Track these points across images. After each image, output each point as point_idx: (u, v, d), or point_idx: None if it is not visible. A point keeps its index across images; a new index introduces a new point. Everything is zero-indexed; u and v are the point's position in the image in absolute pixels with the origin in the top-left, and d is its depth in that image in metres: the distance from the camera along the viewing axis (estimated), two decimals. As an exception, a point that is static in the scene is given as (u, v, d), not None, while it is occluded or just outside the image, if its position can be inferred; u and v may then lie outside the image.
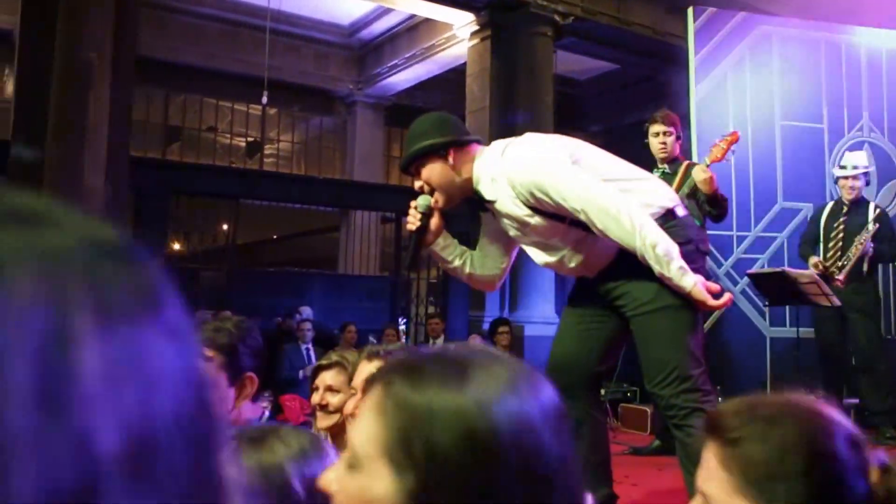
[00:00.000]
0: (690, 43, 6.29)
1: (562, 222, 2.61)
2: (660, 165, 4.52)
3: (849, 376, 5.62)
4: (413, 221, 2.73)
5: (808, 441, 0.96)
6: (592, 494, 2.66)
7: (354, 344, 7.87)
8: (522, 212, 2.61)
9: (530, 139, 2.71)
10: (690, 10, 6.35)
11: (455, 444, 0.70)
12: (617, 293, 2.71)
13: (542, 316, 9.03)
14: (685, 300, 2.56)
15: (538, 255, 2.77)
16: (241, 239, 12.67)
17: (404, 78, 12.78)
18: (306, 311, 9.52)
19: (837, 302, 4.77)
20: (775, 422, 0.99)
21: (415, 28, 11.94)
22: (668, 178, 4.41)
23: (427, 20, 11.71)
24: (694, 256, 2.66)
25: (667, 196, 2.74)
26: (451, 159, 2.65)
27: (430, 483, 0.71)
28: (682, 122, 5.02)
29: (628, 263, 2.59)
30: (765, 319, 6.05)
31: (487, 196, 2.64)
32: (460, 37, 10.95)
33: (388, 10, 11.50)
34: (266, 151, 12.95)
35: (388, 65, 12.53)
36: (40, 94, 7.81)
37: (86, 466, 0.31)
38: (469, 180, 2.67)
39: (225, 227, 10.53)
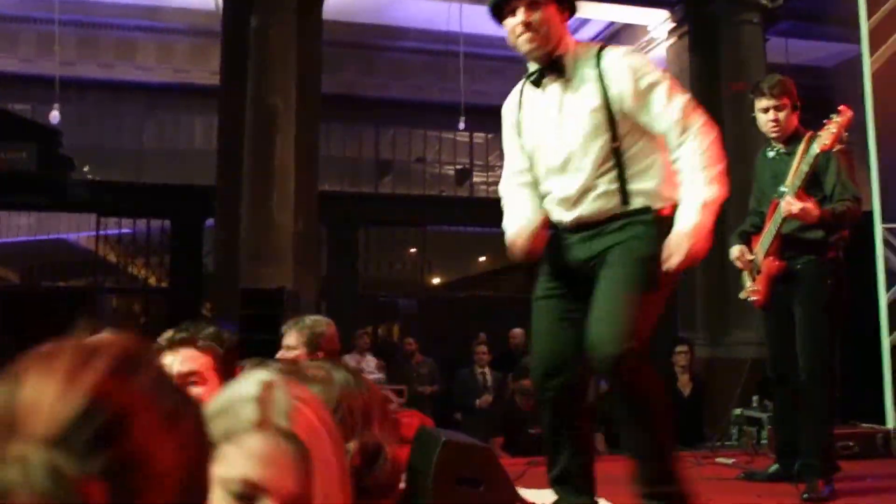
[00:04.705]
0: (861, 6, 5.33)
1: (610, 133, 2.49)
2: (774, 145, 3.78)
3: None
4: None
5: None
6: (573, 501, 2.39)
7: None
8: (590, 102, 2.49)
9: None
10: (860, -34, 5.38)
11: None
12: (606, 246, 2.49)
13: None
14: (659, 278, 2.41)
15: (552, 181, 2.58)
16: (450, 271, 12.81)
17: (613, 88, 12.27)
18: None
19: None
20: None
21: (615, 36, 11.44)
22: (785, 160, 3.69)
23: (627, 27, 11.20)
24: None
25: None
26: (566, 16, 2.57)
27: None
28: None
29: (633, 219, 2.47)
30: None
31: (567, 69, 2.54)
32: (659, 38, 10.30)
33: (585, 21, 11.15)
34: (477, 178, 13.04)
35: (594, 76, 12.08)
36: (237, 141, 8.50)
37: None
38: (558, 46, 2.54)
39: (413, 251, 10.75)
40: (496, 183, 11.23)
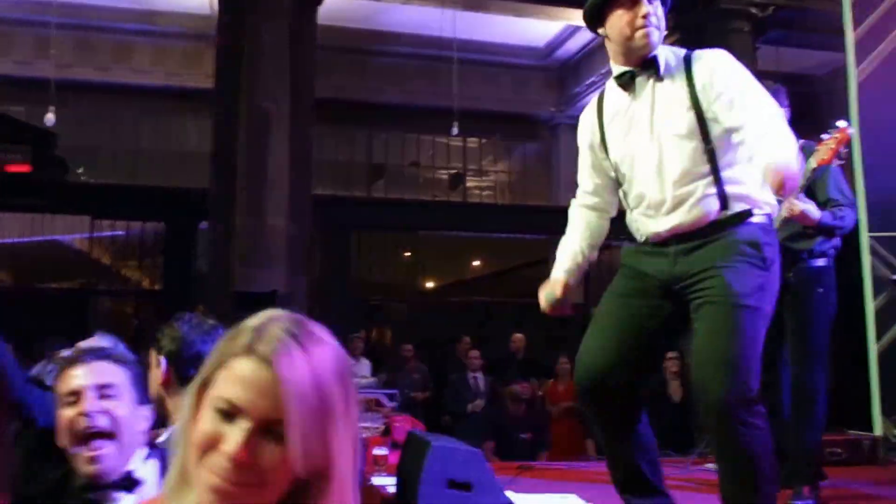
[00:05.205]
0: (847, 16, 5.39)
1: (703, 134, 2.43)
2: None
3: None
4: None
5: None
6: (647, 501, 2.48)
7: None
8: (683, 101, 2.44)
9: None
10: (847, -24, 5.44)
11: None
12: (707, 265, 2.38)
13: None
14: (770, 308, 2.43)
15: (644, 186, 2.51)
16: (444, 275, 12.82)
17: (604, 95, 12.32)
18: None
19: None
20: None
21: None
22: None
23: (619, 32, 11.25)
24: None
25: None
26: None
27: None
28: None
29: (735, 230, 2.40)
30: None
31: (662, 66, 2.48)
32: (651, 45, 10.37)
33: (576, 29, 11.20)
34: (471, 183, 13.09)
35: (587, 82, 12.15)
36: (231, 144, 8.52)
37: None
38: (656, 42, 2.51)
39: (407, 255, 10.78)
40: (489, 187, 11.27)
